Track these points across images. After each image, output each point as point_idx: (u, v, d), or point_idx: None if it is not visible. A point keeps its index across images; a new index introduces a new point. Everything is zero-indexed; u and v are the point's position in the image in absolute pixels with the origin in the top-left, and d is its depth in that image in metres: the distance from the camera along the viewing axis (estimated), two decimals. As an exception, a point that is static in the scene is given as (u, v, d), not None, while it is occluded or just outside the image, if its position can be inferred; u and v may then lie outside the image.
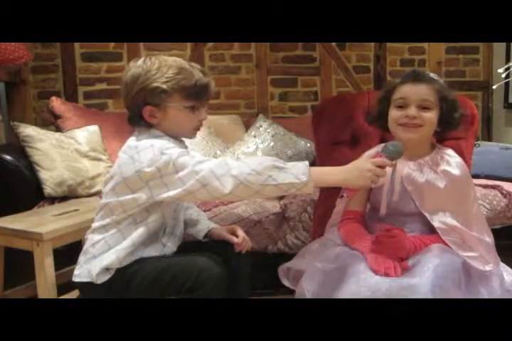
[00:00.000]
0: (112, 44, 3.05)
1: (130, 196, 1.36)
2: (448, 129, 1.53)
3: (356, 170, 1.30)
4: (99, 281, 1.39)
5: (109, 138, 2.55)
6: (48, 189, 2.24)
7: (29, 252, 1.71)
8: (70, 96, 3.01)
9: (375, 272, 1.29)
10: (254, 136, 2.72)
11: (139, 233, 1.41)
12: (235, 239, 1.54)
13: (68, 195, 2.30)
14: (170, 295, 1.37)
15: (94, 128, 2.54)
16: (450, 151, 1.54)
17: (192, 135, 1.48)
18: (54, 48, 2.99)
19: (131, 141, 1.41)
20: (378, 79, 3.27)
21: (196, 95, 1.40)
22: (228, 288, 1.39)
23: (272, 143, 2.68)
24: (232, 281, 1.45)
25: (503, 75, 2.45)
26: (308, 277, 1.41)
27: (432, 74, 1.51)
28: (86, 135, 2.48)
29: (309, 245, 1.65)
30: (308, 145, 2.70)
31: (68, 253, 1.75)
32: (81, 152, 2.41)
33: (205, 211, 1.92)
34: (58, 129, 2.60)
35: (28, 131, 2.31)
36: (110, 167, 2.33)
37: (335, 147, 1.88)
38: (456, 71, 3.32)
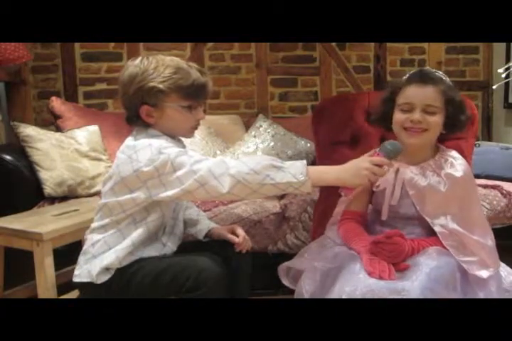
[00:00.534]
0: (112, 44, 3.05)
1: (128, 196, 1.36)
2: (454, 132, 1.51)
3: (354, 168, 1.30)
4: (99, 281, 1.39)
5: (109, 138, 2.55)
6: (48, 189, 2.24)
7: (29, 252, 1.71)
8: (70, 96, 3.00)
9: (370, 274, 1.28)
10: (254, 136, 2.72)
11: (138, 233, 1.41)
12: (235, 239, 1.54)
13: (68, 195, 2.30)
14: (170, 295, 1.37)
15: (94, 128, 2.54)
16: (454, 153, 1.52)
17: (189, 134, 1.48)
18: (54, 48, 2.99)
19: (129, 140, 1.41)
20: (378, 79, 3.26)
21: (193, 95, 1.40)
22: (228, 288, 1.39)
23: (272, 143, 2.68)
24: (232, 281, 1.45)
25: (503, 75, 2.45)
26: (307, 277, 1.41)
27: (438, 74, 1.48)
28: (86, 135, 2.48)
29: (309, 245, 1.65)
30: (308, 145, 2.69)
31: (68, 253, 1.75)
32: (81, 152, 2.41)
33: (205, 211, 1.92)
34: (58, 129, 2.60)
35: (28, 131, 2.31)
36: (110, 167, 2.32)
37: (335, 147, 1.88)
38: (456, 71, 3.32)
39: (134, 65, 1.39)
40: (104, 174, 2.36)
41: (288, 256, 1.70)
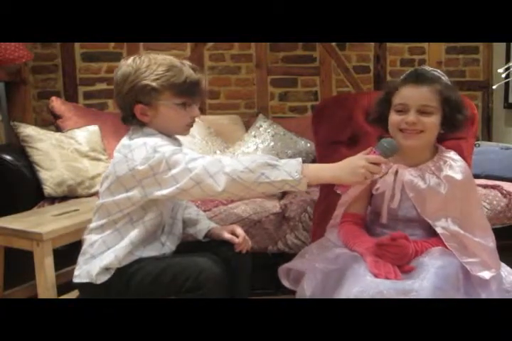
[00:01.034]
0: (112, 44, 3.05)
1: (124, 195, 1.37)
2: (452, 131, 1.49)
3: (350, 166, 1.29)
4: (98, 281, 1.39)
5: (108, 138, 2.55)
6: (48, 189, 2.24)
7: (29, 252, 1.71)
8: (70, 96, 3.00)
9: (376, 276, 1.28)
10: (254, 136, 2.72)
11: (136, 232, 1.41)
12: (235, 239, 1.54)
13: (68, 195, 2.30)
14: (170, 295, 1.37)
15: (94, 128, 2.54)
16: (453, 154, 1.51)
17: (185, 132, 1.48)
18: (54, 48, 2.99)
19: (125, 140, 1.42)
20: (378, 79, 3.26)
21: (187, 92, 1.40)
22: (228, 288, 1.39)
23: (272, 143, 2.68)
24: (232, 281, 1.45)
25: (503, 75, 2.45)
26: (309, 278, 1.40)
27: (435, 73, 1.47)
28: (86, 135, 2.48)
29: (309, 246, 1.64)
30: (308, 145, 2.69)
31: (68, 253, 1.74)
32: (81, 152, 2.41)
33: (204, 211, 1.92)
34: (58, 129, 2.60)
35: (28, 131, 2.31)
36: (110, 167, 2.33)
37: (335, 147, 1.88)
38: (456, 71, 3.32)
39: (126, 65, 1.39)
40: (104, 174, 2.36)
41: (288, 256, 1.70)
